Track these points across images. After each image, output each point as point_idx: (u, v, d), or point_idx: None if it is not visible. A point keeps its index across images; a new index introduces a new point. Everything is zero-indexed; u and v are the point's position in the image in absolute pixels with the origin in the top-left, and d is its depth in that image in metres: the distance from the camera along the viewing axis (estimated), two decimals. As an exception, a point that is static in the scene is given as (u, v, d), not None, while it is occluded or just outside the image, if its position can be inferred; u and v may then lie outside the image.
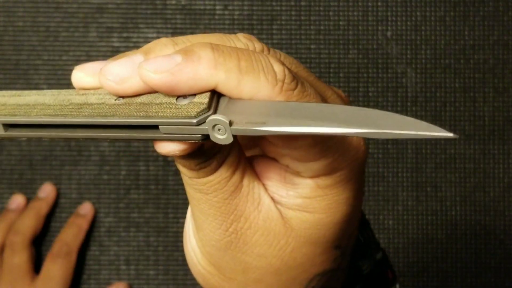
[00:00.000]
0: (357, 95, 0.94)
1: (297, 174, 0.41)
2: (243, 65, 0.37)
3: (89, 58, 0.95)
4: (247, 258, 0.43)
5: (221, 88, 0.37)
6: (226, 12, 0.95)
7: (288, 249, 0.42)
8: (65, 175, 0.95)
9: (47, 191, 0.94)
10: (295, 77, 0.39)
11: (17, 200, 0.94)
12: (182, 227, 0.97)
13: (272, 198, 0.42)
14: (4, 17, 0.95)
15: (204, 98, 0.36)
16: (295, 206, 0.42)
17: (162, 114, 0.36)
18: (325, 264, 0.44)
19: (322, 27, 0.95)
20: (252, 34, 0.95)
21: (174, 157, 0.40)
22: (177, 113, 0.36)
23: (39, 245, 0.93)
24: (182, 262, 0.95)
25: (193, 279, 0.99)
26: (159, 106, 0.37)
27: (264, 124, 0.36)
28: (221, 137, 0.36)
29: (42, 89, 0.94)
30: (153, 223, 0.95)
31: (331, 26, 0.95)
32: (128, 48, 0.95)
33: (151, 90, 0.38)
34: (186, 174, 0.41)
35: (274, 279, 0.44)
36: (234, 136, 0.36)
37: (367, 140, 0.43)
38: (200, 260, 0.45)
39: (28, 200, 0.94)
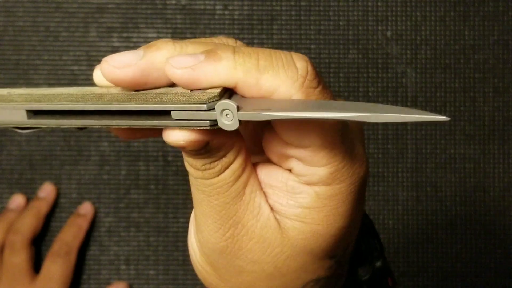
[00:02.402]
0: (357, 95, 0.94)
1: (299, 180, 0.42)
2: (262, 63, 0.39)
3: (89, 58, 0.95)
4: (241, 262, 0.44)
5: (241, 86, 0.39)
6: (226, 12, 0.95)
7: (283, 257, 0.44)
8: (65, 175, 0.95)
9: (47, 190, 0.94)
10: (318, 76, 0.40)
11: (17, 200, 0.94)
12: (182, 227, 0.97)
13: (272, 207, 0.43)
14: (4, 17, 0.95)
15: (217, 90, 0.39)
16: (293, 216, 0.42)
17: (175, 100, 0.39)
18: (319, 272, 0.45)
19: (322, 27, 0.95)
20: (252, 34, 0.95)
21: (181, 150, 0.41)
22: (190, 100, 0.38)
23: (39, 245, 0.93)
24: (182, 262, 0.95)
25: (193, 279, 0.99)
26: (174, 95, 0.39)
27: (269, 110, 0.37)
28: (228, 122, 0.38)
29: (42, 89, 0.95)
30: (153, 223, 0.95)
31: (331, 26, 0.95)
32: (128, 48, 0.95)
33: (147, 77, 0.40)
34: (192, 174, 0.42)
35: (266, 284, 0.45)
36: (240, 123, 0.38)
37: (367, 154, 0.43)
38: (199, 259, 0.46)
39: (28, 200, 0.94)
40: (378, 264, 0.51)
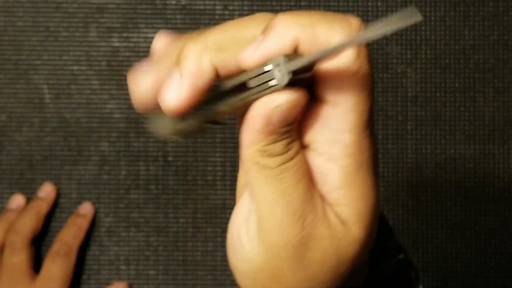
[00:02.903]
0: (357, 95, 0.95)
1: (324, 158, 0.43)
2: (315, 17, 0.41)
3: (89, 58, 0.95)
4: (311, 254, 0.44)
5: (301, 41, 0.40)
6: (226, 12, 0.95)
7: (343, 245, 0.44)
8: (65, 175, 0.95)
9: (47, 190, 0.94)
10: None
11: (17, 200, 0.94)
12: (182, 227, 0.97)
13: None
14: (4, 17, 0.95)
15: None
16: (333, 201, 0.44)
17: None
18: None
19: (322, 27, 0.95)
20: (252, 34, 0.96)
21: (276, 125, 0.41)
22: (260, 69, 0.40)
23: (39, 245, 0.94)
24: (182, 262, 0.95)
25: (193, 279, 0.99)
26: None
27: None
28: (279, 75, 0.39)
29: (42, 89, 0.95)
30: (153, 223, 0.95)
31: (331, 26, 0.95)
32: (128, 48, 0.95)
33: (202, 89, 0.42)
34: (270, 166, 0.42)
35: (329, 276, 0.45)
36: (292, 80, 0.39)
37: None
38: (256, 259, 0.45)
39: (28, 200, 0.94)
40: (401, 256, 0.51)
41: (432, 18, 0.95)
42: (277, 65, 0.39)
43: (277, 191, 0.43)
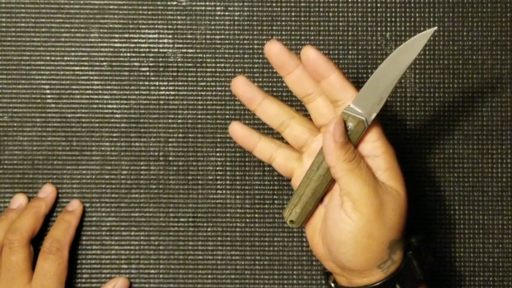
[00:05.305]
0: (356, 96, 0.95)
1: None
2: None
3: (91, 58, 0.95)
4: (386, 213, 0.75)
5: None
6: (227, 13, 0.96)
7: (400, 203, 0.77)
8: (67, 175, 0.95)
9: (47, 191, 0.94)
10: None
11: (19, 200, 0.94)
12: (183, 226, 0.97)
13: None
14: (6, 18, 0.95)
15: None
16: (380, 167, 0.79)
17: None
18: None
19: (321, 28, 0.95)
20: (252, 35, 0.96)
21: (343, 142, 0.75)
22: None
23: (38, 245, 0.94)
24: (182, 261, 0.95)
25: (193, 278, 1.00)
26: None
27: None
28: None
29: (44, 89, 0.95)
30: (154, 222, 0.95)
31: (331, 27, 0.95)
32: (129, 49, 0.95)
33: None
34: (354, 166, 0.75)
35: (399, 226, 0.77)
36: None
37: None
38: (355, 225, 0.74)
39: (30, 200, 0.95)
40: (420, 236, 0.81)
41: (431, 19, 0.96)
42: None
43: (361, 179, 0.74)
